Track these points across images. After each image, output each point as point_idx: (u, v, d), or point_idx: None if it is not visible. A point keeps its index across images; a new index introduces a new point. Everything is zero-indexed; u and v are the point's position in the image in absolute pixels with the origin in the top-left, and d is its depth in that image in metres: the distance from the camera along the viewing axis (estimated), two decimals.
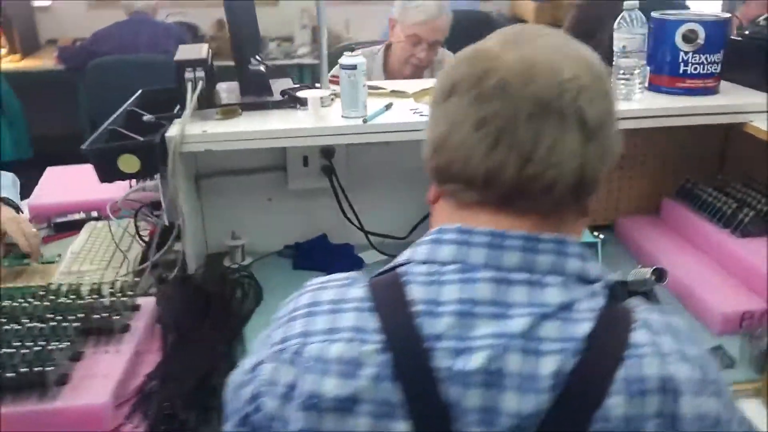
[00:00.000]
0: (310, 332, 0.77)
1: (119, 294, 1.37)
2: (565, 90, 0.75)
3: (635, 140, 1.88)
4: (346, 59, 1.53)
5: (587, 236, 1.70)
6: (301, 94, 1.58)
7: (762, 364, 1.33)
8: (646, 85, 1.78)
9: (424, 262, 0.78)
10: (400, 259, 0.82)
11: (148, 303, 1.44)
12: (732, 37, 1.87)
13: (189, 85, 1.51)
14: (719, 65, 1.72)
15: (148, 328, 1.40)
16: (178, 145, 1.46)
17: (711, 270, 1.61)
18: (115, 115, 1.70)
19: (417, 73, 2.47)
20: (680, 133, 1.87)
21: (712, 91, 1.74)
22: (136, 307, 1.41)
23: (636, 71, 1.67)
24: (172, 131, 1.48)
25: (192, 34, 4.36)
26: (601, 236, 1.85)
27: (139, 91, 1.88)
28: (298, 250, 1.79)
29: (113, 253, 1.76)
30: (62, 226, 2.01)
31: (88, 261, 1.75)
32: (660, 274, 1.50)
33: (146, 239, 1.76)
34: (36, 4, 4.71)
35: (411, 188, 1.72)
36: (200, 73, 1.53)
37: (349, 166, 1.77)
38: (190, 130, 1.49)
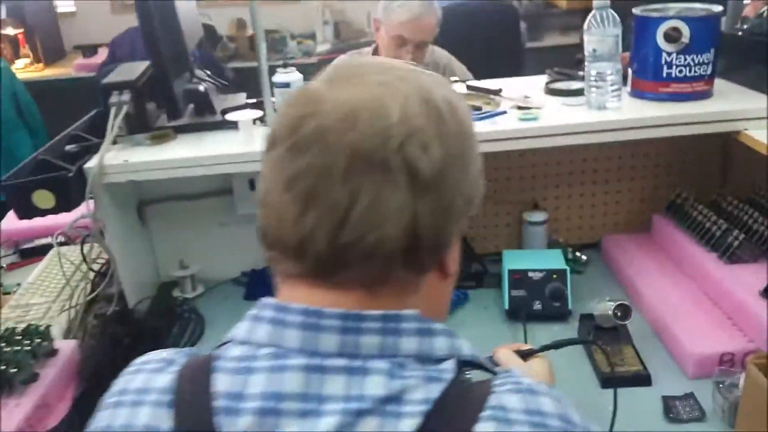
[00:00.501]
0: (110, 427, 0.67)
1: (27, 341, 1.29)
2: (390, 137, 0.62)
3: (620, 151, 1.70)
4: (279, 76, 1.41)
5: (559, 261, 1.54)
6: (231, 116, 1.46)
7: (734, 417, 1.15)
8: (628, 90, 1.60)
9: (243, 343, 0.66)
10: (228, 334, 0.70)
11: (67, 347, 1.36)
12: (730, 32, 1.67)
13: (112, 111, 1.41)
14: (710, 66, 1.53)
15: (63, 376, 1.31)
16: (97, 178, 1.37)
17: (694, 300, 1.43)
18: (56, 139, 1.63)
19: None
20: (677, 142, 1.68)
21: (703, 95, 1.55)
22: (52, 353, 1.33)
23: (609, 77, 1.49)
24: (92, 162, 1.39)
25: (208, 34, 4.28)
26: (584, 257, 1.69)
27: (93, 111, 1.80)
28: (251, 279, 1.68)
29: (64, 285, 1.69)
30: (29, 251, 1.96)
31: (39, 293, 1.69)
32: (624, 312, 1.35)
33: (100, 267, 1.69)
34: (60, 10, 4.72)
35: None
36: (125, 97, 1.43)
37: None
38: (112, 160, 1.40)
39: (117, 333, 1.44)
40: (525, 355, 1.12)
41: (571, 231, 1.77)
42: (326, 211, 0.62)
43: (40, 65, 4.36)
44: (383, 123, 0.63)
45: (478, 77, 1.99)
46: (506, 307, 1.48)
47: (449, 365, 0.64)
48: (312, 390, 0.61)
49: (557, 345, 1.16)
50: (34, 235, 2.00)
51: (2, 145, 3.29)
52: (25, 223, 2.02)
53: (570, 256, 1.68)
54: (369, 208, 0.62)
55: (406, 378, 0.61)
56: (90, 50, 4.47)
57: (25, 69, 4.30)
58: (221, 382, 0.64)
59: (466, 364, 0.68)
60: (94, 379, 1.33)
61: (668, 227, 1.61)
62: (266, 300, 0.68)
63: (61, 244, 1.93)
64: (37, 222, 2.01)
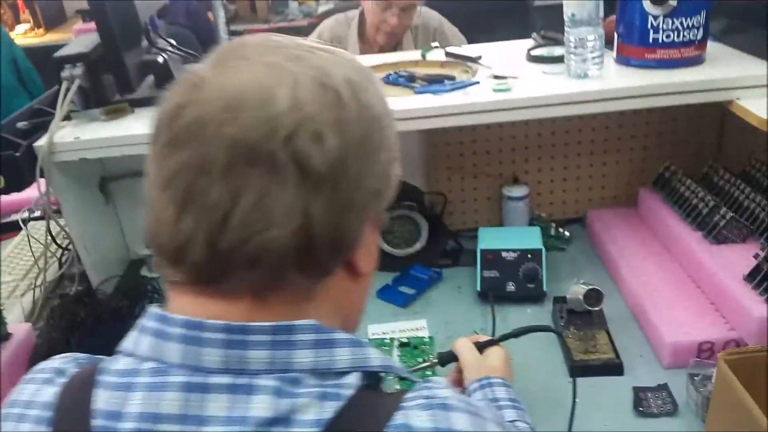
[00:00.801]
0: None
1: None
2: (277, 128, 0.55)
3: (606, 122, 1.60)
4: None
5: (536, 240, 1.46)
6: None
7: (707, 412, 1.08)
8: (614, 56, 1.50)
9: (129, 355, 0.61)
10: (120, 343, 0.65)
11: (21, 330, 1.32)
12: None
13: (63, 85, 1.35)
14: (700, 30, 1.41)
15: (16, 361, 1.28)
16: (46, 156, 1.31)
17: (676, 283, 1.35)
18: (17, 114, 1.57)
19: (391, 41, 2.22)
20: (669, 111, 1.58)
21: (693, 61, 1.44)
22: (5, 337, 1.29)
23: (590, 43, 1.39)
24: (42, 140, 1.33)
25: None
26: (567, 233, 1.61)
27: (57, 86, 1.73)
28: None
29: (33, 263, 1.65)
30: (7, 226, 1.93)
31: (8, 271, 1.65)
32: (595, 298, 1.28)
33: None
34: None
35: None
36: (78, 70, 1.36)
37: None
38: (64, 137, 1.34)
39: (76, 314, 1.40)
40: (483, 346, 1.06)
41: (554, 205, 1.68)
42: (204, 213, 0.56)
43: (41, 31, 4.31)
44: (269, 112, 0.56)
45: (478, 40, 1.86)
46: (478, 288, 1.41)
47: (352, 379, 0.58)
48: (191, 411, 0.55)
49: (517, 333, 1.09)
50: (12, 209, 1.96)
51: (3, 112, 3.26)
52: (4, 197, 2.00)
53: (553, 232, 1.61)
54: (253, 209, 0.55)
55: (297, 396, 0.55)
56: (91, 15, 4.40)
57: (25, 35, 4.25)
58: (101, 399, 0.58)
59: (378, 374, 0.63)
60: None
61: (655, 202, 1.52)
62: (151, 309, 0.62)
63: (38, 218, 1.90)
64: (17, 196, 1.98)
